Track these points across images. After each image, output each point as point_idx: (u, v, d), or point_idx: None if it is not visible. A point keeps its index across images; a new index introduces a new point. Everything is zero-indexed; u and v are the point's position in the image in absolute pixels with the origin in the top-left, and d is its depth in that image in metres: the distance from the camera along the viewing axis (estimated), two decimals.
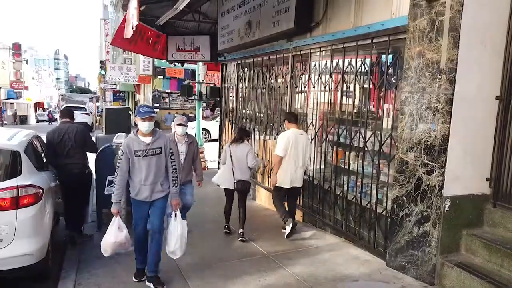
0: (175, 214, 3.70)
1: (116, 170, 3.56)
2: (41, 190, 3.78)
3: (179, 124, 4.76)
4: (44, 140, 4.95)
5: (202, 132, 14.36)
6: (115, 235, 3.60)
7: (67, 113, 5.25)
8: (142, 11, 7.39)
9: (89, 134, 5.09)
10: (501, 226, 3.33)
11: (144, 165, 3.53)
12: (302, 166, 4.91)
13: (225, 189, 5.10)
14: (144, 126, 3.49)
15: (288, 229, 4.80)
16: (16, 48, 42.62)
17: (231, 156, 4.91)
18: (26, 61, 57.40)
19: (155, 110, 21.81)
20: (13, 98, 38.86)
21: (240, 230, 4.94)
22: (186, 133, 4.84)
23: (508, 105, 3.28)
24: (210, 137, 18.03)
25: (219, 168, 8.43)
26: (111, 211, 3.62)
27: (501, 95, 3.32)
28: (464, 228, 3.38)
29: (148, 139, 3.53)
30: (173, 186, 3.66)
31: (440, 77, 3.19)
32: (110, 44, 15.92)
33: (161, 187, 3.65)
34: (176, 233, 3.67)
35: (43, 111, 45.19)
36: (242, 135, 4.95)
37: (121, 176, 3.55)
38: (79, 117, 23.99)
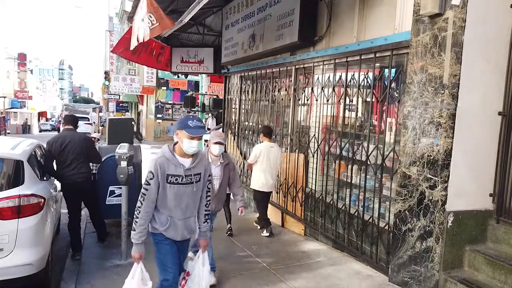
0: (202, 257, 2.98)
1: (140, 198, 2.73)
2: (43, 200, 3.77)
3: (216, 143, 3.91)
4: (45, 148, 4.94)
5: (205, 144, 14.36)
6: None
7: (71, 120, 5.06)
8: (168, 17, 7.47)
9: (92, 143, 5.00)
10: (504, 242, 3.30)
11: (178, 195, 2.77)
12: (273, 174, 5.57)
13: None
14: (191, 146, 2.68)
15: (266, 233, 5.55)
16: (22, 58, 43.12)
17: None
18: (31, 71, 57.99)
19: (158, 121, 21.88)
20: (17, 108, 39.11)
21: (229, 226, 5.62)
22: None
23: (510, 121, 3.29)
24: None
25: None
26: (132, 254, 2.81)
27: (504, 110, 3.32)
28: (467, 244, 3.35)
29: (188, 162, 2.76)
30: (204, 222, 3.01)
31: (443, 92, 3.20)
32: (110, 52, 16.07)
33: (192, 223, 2.96)
34: (203, 283, 2.93)
35: (46, 121, 45.45)
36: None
37: (148, 207, 2.73)
38: (82, 127, 24.17)
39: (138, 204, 2.72)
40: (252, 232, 5.97)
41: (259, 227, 5.75)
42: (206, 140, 9.60)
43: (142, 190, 2.72)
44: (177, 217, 2.82)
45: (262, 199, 5.65)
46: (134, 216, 2.73)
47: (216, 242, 5.42)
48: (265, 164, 5.46)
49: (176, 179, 2.73)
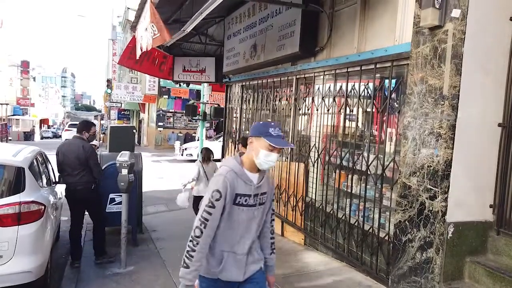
0: None
1: (200, 225, 2.14)
2: (43, 207, 3.79)
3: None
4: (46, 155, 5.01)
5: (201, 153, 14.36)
6: None
7: (79, 127, 5.03)
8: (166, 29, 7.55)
9: (93, 153, 4.85)
10: (505, 254, 3.29)
11: (246, 220, 2.23)
12: None
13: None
14: (269, 159, 2.17)
15: None
16: (25, 66, 43.42)
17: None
18: (34, 78, 58.29)
19: (159, 129, 21.93)
20: (19, 115, 39.27)
21: None
22: None
23: (510, 132, 3.30)
24: (213, 157, 18.04)
25: None
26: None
27: (504, 122, 3.33)
28: (467, 255, 3.33)
29: (256, 178, 2.25)
30: (271, 254, 2.45)
31: (442, 103, 3.22)
32: (118, 64, 16.22)
33: (257, 255, 2.36)
34: None
35: (48, 128, 45.57)
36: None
37: (208, 237, 2.16)
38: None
39: (196, 232, 2.14)
40: None
41: None
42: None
43: (203, 214, 2.14)
44: (239, 251, 2.23)
45: None
46: (188, 248, 2.13)
47: None
48: None
49: (246, 200, 2.19)
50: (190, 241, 2.16)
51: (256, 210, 2.26)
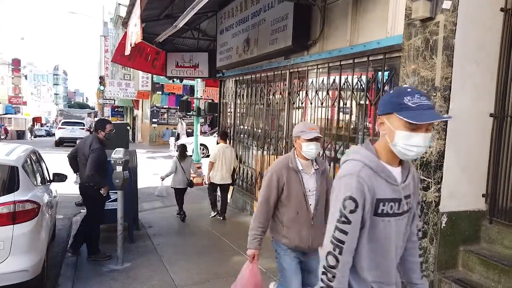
0: None
1: (333, 250, 1.52)
2: (38, 206, 3.77)
3: (311, 139, 2.66)
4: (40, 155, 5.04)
5: (200, 148, 14.38)
6: None
7: (96, 126, 5.16)
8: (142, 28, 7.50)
9: (96, 153, 4.73)
10: (498, 242, 3.34)
11: (394, 237, 1.61)
12: (228, 169, 6.76)
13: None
14: (418, 143, 1.49)
15: (212, 214, 7.05)
16: (16, 64, 42.92)
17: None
18: (25, 76, 57.75)
19: (154, 125, 21.83)
20: (11, 113, 38.90)
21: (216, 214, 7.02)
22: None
23: (501, 122, 3.33)
24: (208, 153, 18.05)
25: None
26: None
27: (495, 112, 3.37)
28: (461, 244, 3.38)
29: (398, 173, 1.61)
30: (422, 277, 1.81)
31: (435, 94, 3.24)
32: (111, 61, 16.11)
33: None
34: None
35: (41, 126, 45.21)
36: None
37: (347, 264, 1.54)
38: (77, 132, 24.09)
39: (329, 261, 1.52)
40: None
41: (213, 213, 7.10)
42: (202, 144, 9.48)
43: (335, 234, 1.52)
44: (387, 281, 1.62)
45: (223, 190, 6.96)
46: (322, 285, 1.54)
47: (209, 245, 5.44)
48: (223, 162, 6.70)
49: (392, 208, 1.56)
50: (323, 273, 1.53)
51: (403, 220, 1.63)
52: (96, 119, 30.49)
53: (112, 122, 5.79)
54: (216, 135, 9.60)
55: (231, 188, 7.81)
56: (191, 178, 7.17)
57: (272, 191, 2.76)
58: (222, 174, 6.72)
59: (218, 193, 7.19)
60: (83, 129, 25.93)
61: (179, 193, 6.96)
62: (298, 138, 2.74)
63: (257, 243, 2.84)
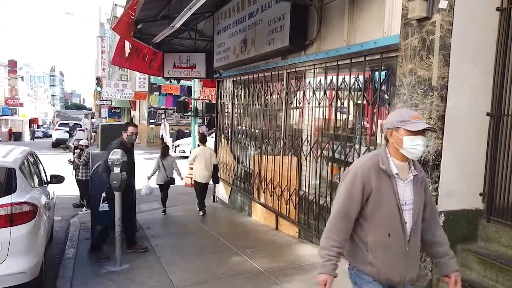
0: None
1: None
2: (35, 208, 3.76)
3: (418, 132, 2.02)
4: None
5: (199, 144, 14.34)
6: None
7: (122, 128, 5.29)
8: (139, 29, 7.49)
9: (110, 149, 4.88)
10: (495, 241, 3.35)
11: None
12: (206, 169, 7.46)
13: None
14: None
15: (201, 212, 7.55)
16: (12, 65, 42.82)
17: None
18: (22, 78, 57.53)
19: (151, 126, 21.86)
20: (8, 115, 38.76)
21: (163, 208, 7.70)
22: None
23: (498, 122, 3.35)
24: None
25: (214, 185, 8.48)
26: None
27: (492, 111, 3.38)
28: (459, 243, 3.39)
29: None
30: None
31: (432, 94, 3.25)
32: (111, 64, 16.08)
33: None
34: None
35: (38, 128, 45.06)
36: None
37: None
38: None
39: None
40: (246, 235, 5.98)
41: (198, 209, 7.63)
42: (201, 145, 9.69)
43: None
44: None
45: (201, 188, 7.60)
46: None
47: (208, 245, 5.43)
48: (202, 162, 7.44)
49: None
50: None
51: None
52: (93, 120, 30.45)
53: (109, 123, 5.80)
54: (214, 135, 9.63)
55: (229, 188, 7.89)
56: (172, 176, 7.71)
57: (355, 200, 2.06)
58: (203, 173, 7.46)
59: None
60: (80, 130, 25.86)
61: (162, 189, 7.73)
62: (396, 130, 2.04)
63: (331, 267, 2.10)
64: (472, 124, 3.37)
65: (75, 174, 8.08)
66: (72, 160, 8.28)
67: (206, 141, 7.94)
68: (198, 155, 7.52)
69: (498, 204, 3.36)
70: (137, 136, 5.11)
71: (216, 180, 7.83)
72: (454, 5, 3.08)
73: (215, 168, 7.66)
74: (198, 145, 8.20)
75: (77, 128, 25.28)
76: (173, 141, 19.95)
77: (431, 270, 3.30)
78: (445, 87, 3.16)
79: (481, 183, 3.47)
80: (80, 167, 7.92)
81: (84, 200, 8.14)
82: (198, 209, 7.67)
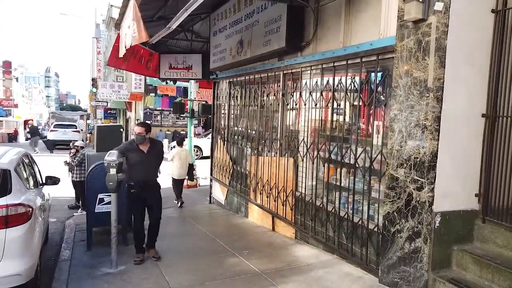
0: None
1: None
2: (31, 209, 3.74)
3: None
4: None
5: (194, 149, 14.34)
6: None
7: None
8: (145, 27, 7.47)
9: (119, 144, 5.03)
10: (491, 241, 3.37)
11: None
12: (182, 168, 8.64)
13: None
14: None
15: (178, 204, 8.40)
16: (7, 66, 42.58)
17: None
18: (17, 78, 57.22)
19: None
20: (2, 116, 38.49)
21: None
22: None
23: (493, 123, 3.37)
24: (202, 154, 17.99)
25: (211, 186, 8.49)
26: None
27: (487, 112, 3.40)
28: (454, 244, 3.41)
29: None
30: None
31: (427, 95, 3.27)
32: (107, 65, 16.05)
33: None
34: None
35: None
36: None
37: None
38: (69, 134, 23.90)
39: None
40: (243, 236, 5.98)
41: (176, 202, 8.48)
42: (196, 146, 9.73)
43: None
44: None
45: (178, 184, 8.69)
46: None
47: (204, 247, 5.42)
48: (179, 162, 8.56)
49: None
50: None
51: None
52: (88, 121, 30.31)
53: (105, 124, 5.78)
54: (211, 136, 9.65)
55: (225, 189, 7.91)
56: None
57: None
58: (179, 171, 8.64)
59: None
60: (75, 131, 25.74)
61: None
62: None
63: None
64: (467, 125, 3.39)
65: (70, 175, 8.05)
66: (67, 161, 8.24)
67: (183, 143, 9.17)
68: (175, 156, 8.63)
69: (493, 204, 3.38)
70: (147, 135, 4.92)
71: (190, 177, 9.63)
72: (449, 7, 3.11)
73: (191, 166, 9.14)
74: (174, 147, 9.67)
75: (72, 130, 25.11)
76: (169, 142, 19.91)
77: (427, 270, 3.31)
78: (440, 88, 3.18)
79: (477, 184, 3.49)
80: (75, 168, 7.89)
81: (80, 202, 8.11)
82: (176, 201, 8.47)
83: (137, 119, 27.78)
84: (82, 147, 8.36)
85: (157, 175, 5.16)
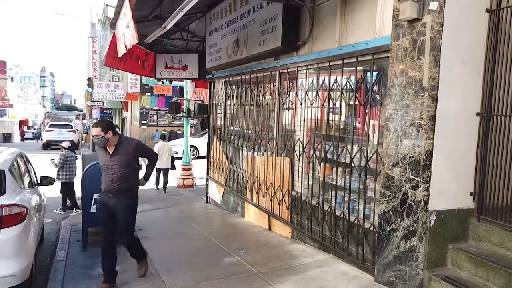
0: None
1: None
2: (25, 210, 3.72)
3: None
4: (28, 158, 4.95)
5: (190, 149, 14.32)
6: None
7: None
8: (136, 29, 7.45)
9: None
10: (486, 240, 3.39)
11: None
12: (166, 159, 10.29)
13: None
14: None
15: (163, 191, 10.21)
16: (1, 66, 42.32)
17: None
18: (12, 78, 56.90)
19: (143, 127, 21.91)
20: None
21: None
22: None
23: (488, 121, 3.39)
24: (198, 154, 17.97)
25: (207, 185, 8.49)
26: None
27: (482, 111, 3.42)
28: (450, 242, 3.42)
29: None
30: None
31: (422, 94, 3.28)
32: (104, 65, 15.97)
33: None
34: None
35: (28, 129, 44.56)
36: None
37: None
38: (65, 134, 23.79)
39: None
40: (239, 236, 5.98)
41: (161, 189, 10.34)
42: (192, 146, 9.81)
43: None
44: None
45: (162, 173, 10.46)
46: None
47: (201, 247, 5.41)
48: (162, 153, 10.03)
49: None
50: None
51: None
52: (84, 121, 30.17)
53: None
54: (207, 136, 9.66)
55: (221, 189, 7.92)
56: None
57: None
58: (162, 161, 9.87)
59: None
60: (71, 131, 25.64)
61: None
62: None
63: None
64: (462, 124, 3.40)
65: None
66: (54, 161, 8.09)
67: (165, 138, 11.17)
68: (159, 149, 10.03)
69: (488, 203, 3.40)
70: (108, 134, 4.02)
71: (172, 167, 10.74)
72: (444, 6, 3.12)
73: (172, 158, 10.62)
74: (158, 141, 11.22)
75: (67, 130, 24.97)
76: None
77: (422, 269, 3.33)
78: (435, 87, 3.20)
79: (472, 183, 3.51)
80: (58, 169, 7.84)
81: (64, 203, 8.08)
82: (156, 188, 10.55)
83: (121, 120, 27.75)
84: (66, 148, 8.21)
85: (132, 181, 4.23)
